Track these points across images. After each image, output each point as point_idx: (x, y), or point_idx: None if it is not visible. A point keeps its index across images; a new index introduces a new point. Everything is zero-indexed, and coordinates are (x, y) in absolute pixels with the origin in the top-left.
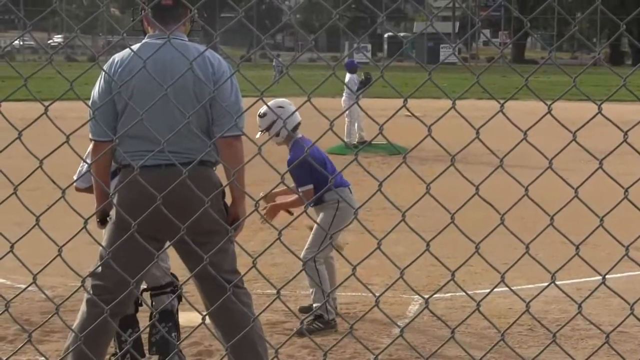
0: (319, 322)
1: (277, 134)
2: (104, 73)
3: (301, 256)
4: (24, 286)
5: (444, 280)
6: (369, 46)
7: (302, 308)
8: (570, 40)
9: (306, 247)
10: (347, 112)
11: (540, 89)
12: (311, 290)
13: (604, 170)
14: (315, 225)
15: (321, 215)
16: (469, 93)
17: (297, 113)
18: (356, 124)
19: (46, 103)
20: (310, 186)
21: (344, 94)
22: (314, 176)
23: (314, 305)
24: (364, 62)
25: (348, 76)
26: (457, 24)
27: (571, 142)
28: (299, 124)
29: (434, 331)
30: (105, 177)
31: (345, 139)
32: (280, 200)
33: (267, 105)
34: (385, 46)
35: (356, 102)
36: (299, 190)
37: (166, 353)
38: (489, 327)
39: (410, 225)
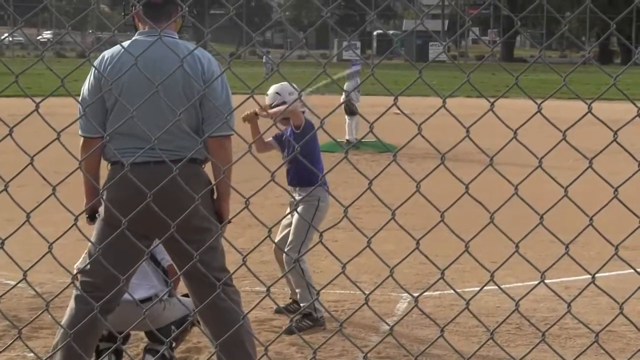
0: (308, 319)
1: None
2: (93, 70)
3: (284, 257)
4: (12, 282)
5: (432, 278)
6: (358, 44)
7: (278, 309)
8: (559, 39)
9: (289, 246)
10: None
11: (529, 88)
12: (297, 290)
13: (593, 170)
14: (295, 223)
15: (301, 210)
16: (458, 91)
17: (298, 102)
18: (354, 123)
19: (36, 99)
20: (273, 142)
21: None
22: (310, 149)
23: (302, 304)
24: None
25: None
26: (447, 22)
27: (561, 141)
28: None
29: (422, 329)
30: (96, 173)
31: (347, 137)
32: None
33: (259, 105)
34: (375, 44)
35: (345, 101)
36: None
37: None
38: (477, 325)
39: (400, 223)
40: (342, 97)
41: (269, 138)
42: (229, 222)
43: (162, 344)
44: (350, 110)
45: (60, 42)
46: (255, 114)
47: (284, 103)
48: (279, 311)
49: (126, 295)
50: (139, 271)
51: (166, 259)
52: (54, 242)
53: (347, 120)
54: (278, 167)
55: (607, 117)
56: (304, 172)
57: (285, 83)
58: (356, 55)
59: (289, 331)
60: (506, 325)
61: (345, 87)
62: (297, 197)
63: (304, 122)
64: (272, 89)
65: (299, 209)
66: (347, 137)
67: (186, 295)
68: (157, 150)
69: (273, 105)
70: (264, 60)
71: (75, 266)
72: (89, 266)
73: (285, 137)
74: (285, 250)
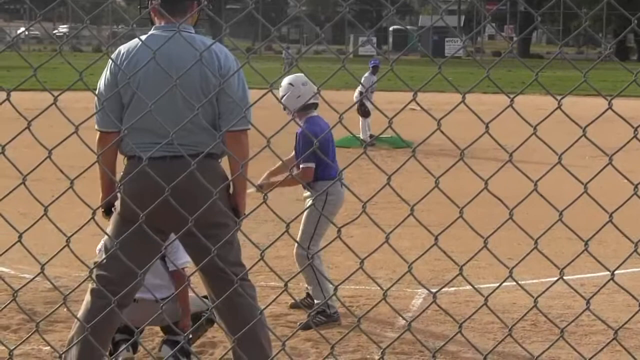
0: (322, 315)
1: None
2: (110, 64)
3: (294, 252)
4: (28, 276)
5: (448, 275)
6: (374, 39)
7: (293, 304)
8: (576, 36)
9: (299, 241)
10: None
11: (545, 84)
12: (309, 286)
13: (613, 166)
14: (304, 219)
15: (309, 205)
16: (475, 87)
17: (311, 92)
18: (367, 122)
19: (53, 93)
20: (312, 165)
21: (356, 91)
22: (317, 155)
23: (315, 301)
24: (369, 55)
25: (367, 74)
26: (463, 18)
27: (581, 137)
28: (313, 104)
29: (437, 325)
30: (112, 167)
31: (362, 136)
32: (275, 179)
33: (275, 96)
34: (390, 39)
35: (363, 97)
36: (301, 165)
37: None
38: (492, 322)
39: (417, 220)
40: (356, 94)
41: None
42: (246, 217)
43: (179, 334)
44: (363, 112)
45: (76, 36)
46: (270, 184)
47: (297, 97)
48: (295, 306)
49: (146, 294)
50: (160, 271)
51: (180, 261)
52: (71, 235)
53: (360, 120)
54: (294, 164)
55: (625, 114)
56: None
57: (300, 74)
58: (375, 51)
59: (305, 326)
60: (521, 322)
61: (362, 81)
62: (307, 192)
63: (309, 174)
64: (286, 80)
65: (308, 204)
66: (361, 137)
67: (204, 296)
68: (176, 144)
69: (285, 96)
70: (283, 56)
71: (93, 262)
72: (104, 260)
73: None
74: (295, 246)
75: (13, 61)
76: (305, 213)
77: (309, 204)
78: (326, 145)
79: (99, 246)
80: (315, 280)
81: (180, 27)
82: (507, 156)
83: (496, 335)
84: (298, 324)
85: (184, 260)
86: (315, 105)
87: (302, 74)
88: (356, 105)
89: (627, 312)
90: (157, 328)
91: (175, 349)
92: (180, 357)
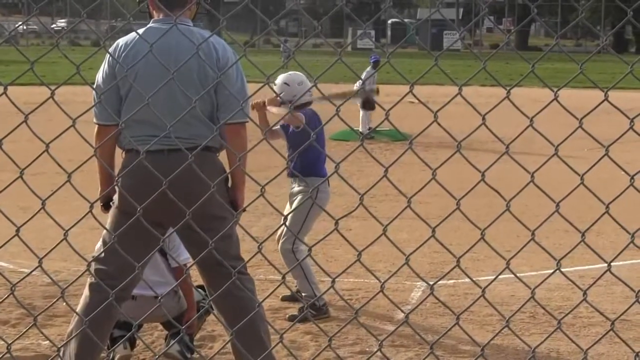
0: (311, 309)
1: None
2: (108, 57)
3: (279, 247)
4: (27, 270)
5: (447, 267)
6: (373, 32)
7: (284, 297)
8: (574, 28)
9: (284, 237)
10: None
11: (544, 76)
12: (296, 280)
13: (610, 158)
14: (293, 213)
15: (298, 200)
16: (473, 80)
17: (307, 93)
18: (367, 115)
19: (51, 87)
20: (303, 118)
21: (355, 86)
22: (313, 149)
23: (303, 294)
24: (367, 48)
25: (368, 69)
26: (461, 10)
27: (577, 128)
28: (307, 102)
29: (436, 318)
30: (110, 161)
31: (361, 129)
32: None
33: (273, 89)
34: (389, 32)
35: (362, 88)
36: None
37: None
38: (491, 314)
39: (414, 212)
40: (356, 88)
41: (276, 127)
42: (244, 210)
43: (179, 330)
44: (370, 106)
45: (74, 30)
46: (264, 104)
47: (293, 96)
48: (286, 299)
49: (146, 290)
50: (160, 269)
51: (182, 257)
52: (69, 229)
53: (361, 112)
54: (293, 155)
55: (621, 106)
56: (308, 163)
57: (293, 73)
58: (373, 44)
59: (303, 319)
60: (520, 314)
61: (363, 76)
62: (296, 188)
63: (304, 120)
64: (280, 79)
65: (296, 200)
66: (360, 129)
67: (201, 287)
68: (173, 138)
69: (281, 94)
70: (281, 49)
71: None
72: (103, 254)
73: (290, 130)
74: (281, 240)
75: (12, 56)
76: (293, 208)
77: (298, 199)
78: (321, 140)
79: (98, 244)
80: (301, 272)
81: (179, 20)
82: (504, 148)
83: (495, 327)
84: (287, 317)
85: (185, 256)
86: (310, 102)
87: (299, 73)
88: (357, 97)
89: (624, 304)
90: (156, 323)
91: (183, 340)
92: (186, 351)
